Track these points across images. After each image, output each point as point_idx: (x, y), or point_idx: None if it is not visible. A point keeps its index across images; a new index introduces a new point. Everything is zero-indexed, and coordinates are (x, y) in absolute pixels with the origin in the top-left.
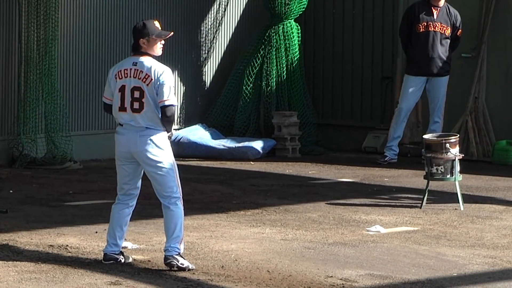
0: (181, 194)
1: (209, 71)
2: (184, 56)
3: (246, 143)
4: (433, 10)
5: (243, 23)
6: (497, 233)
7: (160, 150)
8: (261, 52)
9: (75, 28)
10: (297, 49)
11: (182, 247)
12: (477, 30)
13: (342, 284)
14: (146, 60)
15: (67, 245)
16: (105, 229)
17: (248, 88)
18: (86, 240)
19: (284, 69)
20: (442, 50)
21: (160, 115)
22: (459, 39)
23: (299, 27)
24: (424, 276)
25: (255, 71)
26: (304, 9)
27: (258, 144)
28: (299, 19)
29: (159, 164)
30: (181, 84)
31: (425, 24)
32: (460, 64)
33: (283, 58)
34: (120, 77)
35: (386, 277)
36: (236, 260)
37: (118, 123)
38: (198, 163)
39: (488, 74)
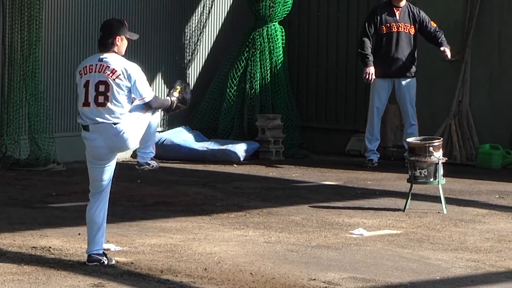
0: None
1: (193, 73)
2: (168, 58)
3: (230, 146)
4: (395, 11)
5: (227, 25)
6: (480, 237)
7: (134, 131)
8: (245, 55)
9: (59, 30)
10: (281, 52)
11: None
12: (461, 33)
13: (325, 286)
14: (113, 57)
15: (50, 247)
16: None
17: (232, 91)
18: (69, 242)
19: (268, 71)
20: (407, 51)
21: (130, 109)
22: (437, 28)
23: (283, 30)
24: (407, 279)
25: (239, 73)
26: (288, 12)
27: (241, 147)
28: (284, 22)
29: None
30: (165, 86)
31: (388, 25)
32: (444, 68)
33: (267, 60)
34: (85, 72)
35: (369, 280)
36: (219, 262)
37: (82, 125)
38: (181, 165)
39: (472, 77)
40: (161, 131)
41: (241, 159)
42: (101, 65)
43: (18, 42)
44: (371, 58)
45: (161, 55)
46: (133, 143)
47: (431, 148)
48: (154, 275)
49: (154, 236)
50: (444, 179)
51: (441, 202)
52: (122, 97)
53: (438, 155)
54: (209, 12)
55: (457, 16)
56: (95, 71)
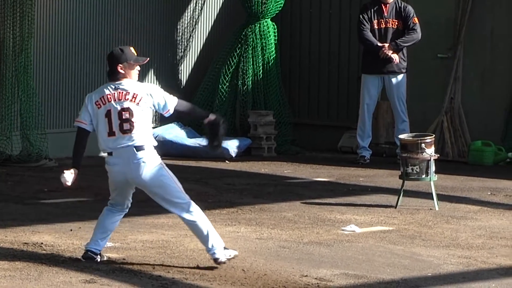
0: (189, 198)
1: (185, 69)
2: (160, 55)
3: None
4: (383, 7)
5: (219, 22)
6: (471, 233)
7: (154, 168)
8: (238, 51)
9: (51, 25)
10: (273, 49)
11: (216, 241)
12: (453, 30)
13: (317, 283)
14: (128, 82)
15: (42, 243)
16: (80, 227)
17: (224, 87)
18: (61, 238)
19: (260, 68)
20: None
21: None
22: (416, 28)
23: (275, 26)
24: (398, 275)
25: (231, 70)
26: (280, 8)
27: (233, 143)
28: (276, 18)
29: (159, 183)
30: (157, 83)
31: (377, 21)
32: (436, 65)
33: (260, 57)
34: (104, 103)
35: (361, 276)
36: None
37: (106, 153)
38: (173, 161)
39: (464, 74)
40: (154, 127)
41: (233, 155)
42: (119, 92)
43: (10, 38)
44: (377, 42)
45: (153, 52)
46: (146, 176)
47: (423, 145)
48: (146, 271)
49: (146, 232)
50: (436, 175)
51: (433, 199)
52: (147, 119)
53: (430, 152)
54: (201, 8)
55: (450, 12)
56: (115, 99)
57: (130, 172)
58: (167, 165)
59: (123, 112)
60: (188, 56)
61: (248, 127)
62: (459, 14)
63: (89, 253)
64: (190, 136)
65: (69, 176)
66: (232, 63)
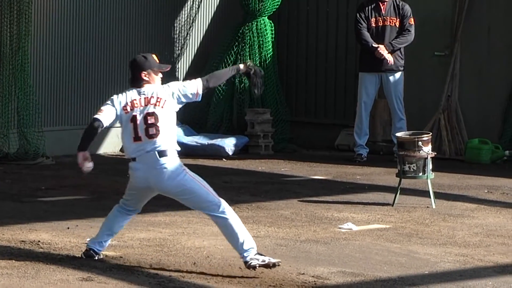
0: (218, 197)
1: (183, 67)
2: (158, 53)
3: (219, 140)
4: (381, 5)
5: (216, 20)
6: (468, 231)
7: (176, 175)
8: (235, 49)
9: (48, 23)
10: (270, 47)
11: (250, 246)
12: (451, 28)
13: (314, 281)
14: (150, 87)
15: (39, 241)
16: (77, 225)
17: (221, 85)
18: (58, 236)
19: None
20: None
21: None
22: (411, 29)
23: (272, 24)
24: (395, 273)
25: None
26: (278, 6)
27: (231, 141)
28: (273, 16)
29: (183, 188)
30: None
31: (374, 19)
32: (433, 62)
33: (257, 55)
34: (131, 108)
35: (358, 274)
36: (208, 256)
37: (130, 158)
38: None
39: (461, 72)
40: None
41: (230, 153)
42: (144, 98)
43: (7, 36)
44: (373, 43)
45: (151, 49)
46: (168, 183)
47: (420, 143)
48: (143, 269)
49: (143, 230)
50: (433, 173)
51: (430, 197)
52: (172, 123)
53: (427, 150)
54: (199, 6)
55: (447, 10)
56: (141, 105)
57: (153, 178)
58: None
59: (149, 117)
60: (185, 54)
61: (245, 125)
62: (456, 12)
63: (91, 251)
64: (187, 134)
65: (89, 163)
66: (229, 61)
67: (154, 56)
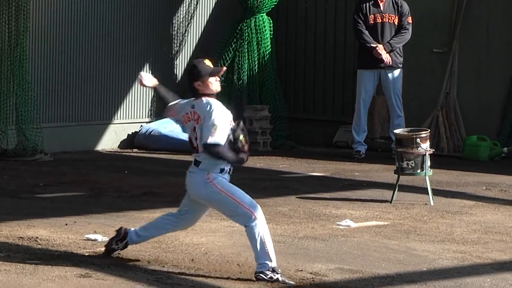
0: (251, 208)
1: (181, 64)
2: (156, 49)
3: None
4: (379, 2)
5: (215, 16)
6: (466, 228)
7: (201, 184)
8: (233, 46)
9: (47, 19)
10: (269, 43)
11: (265, 256)
12: (449, 25)
13: (312, 278)
14: (200, 103)
15: (37, 237)
16: (75, 221)
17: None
18: (56, 232)
19: (256, 63)
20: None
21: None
22: (409, 28)
23: (271, 21)
24: (393, 270)
25: (226, 64)
26: (276, 3)
27: None
28: (271, 13)
29: (210, 201)
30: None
31: (373, 16)
32: (432, 59)
33: (255, 52)
34: (189, 119)
35: (356, 271)
36: (206, 253)
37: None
38: (169, 156)
39: (460, 69)
40: (149, 122)
41: None
42: (193, 112)
43: (5, 32)
44: (372, 42)
45: (149, 46)
46: (194, 189)
47: (418, 140)
48: (141, 266)
49: None
50: (431, 170)
51: (428, 194)
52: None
53: (425, 147)
54: (197, 2)
55: (445, 7)
56: (191, 120)
57: (190, 188)
58: (162, 159)
59: (194, 132)
60: (183, 51)
61: (244, 122)
62: (455, 9)
63: (128, 236)
64: (185, 130)
65: (148, 77)
66: (228, 58)
67: (206, 61)
